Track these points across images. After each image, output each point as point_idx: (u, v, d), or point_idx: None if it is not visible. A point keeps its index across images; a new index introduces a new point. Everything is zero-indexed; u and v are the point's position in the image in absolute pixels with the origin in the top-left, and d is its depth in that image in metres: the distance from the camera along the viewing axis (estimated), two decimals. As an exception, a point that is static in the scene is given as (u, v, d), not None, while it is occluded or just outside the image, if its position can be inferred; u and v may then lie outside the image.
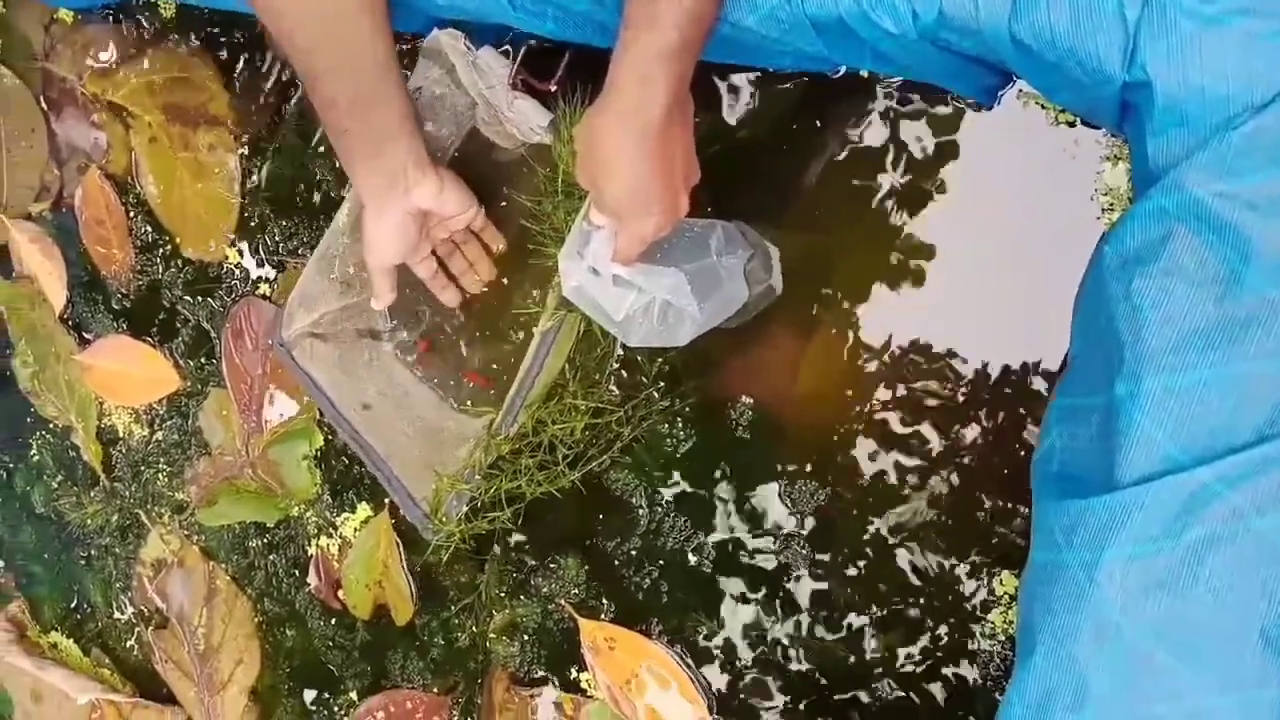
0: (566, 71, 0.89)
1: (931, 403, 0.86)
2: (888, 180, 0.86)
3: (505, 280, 0.98)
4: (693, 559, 0.96)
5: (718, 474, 0.94)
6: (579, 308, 0.82)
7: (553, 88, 0.89)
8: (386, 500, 1.10)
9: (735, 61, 0.83)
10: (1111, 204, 0.78)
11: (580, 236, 0.79)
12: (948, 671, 0.86)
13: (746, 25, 0.70)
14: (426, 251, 0.94)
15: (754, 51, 0.76)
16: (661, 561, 0.97)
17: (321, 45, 0.81)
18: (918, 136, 0.84)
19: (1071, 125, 0.78)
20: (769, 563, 0.93)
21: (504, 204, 0.97)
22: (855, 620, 0.90)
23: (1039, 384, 0.82)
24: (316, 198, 1.10)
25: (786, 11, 0.68)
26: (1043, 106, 0.78)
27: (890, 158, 0.85)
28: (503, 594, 1.05)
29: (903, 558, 0.88)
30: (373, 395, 1.02)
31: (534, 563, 1.03)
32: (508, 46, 0.91)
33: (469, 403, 1.00)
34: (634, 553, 0.98)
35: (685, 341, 0.82)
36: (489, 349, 0.99)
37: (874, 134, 0.86)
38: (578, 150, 0.76)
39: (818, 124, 0.88)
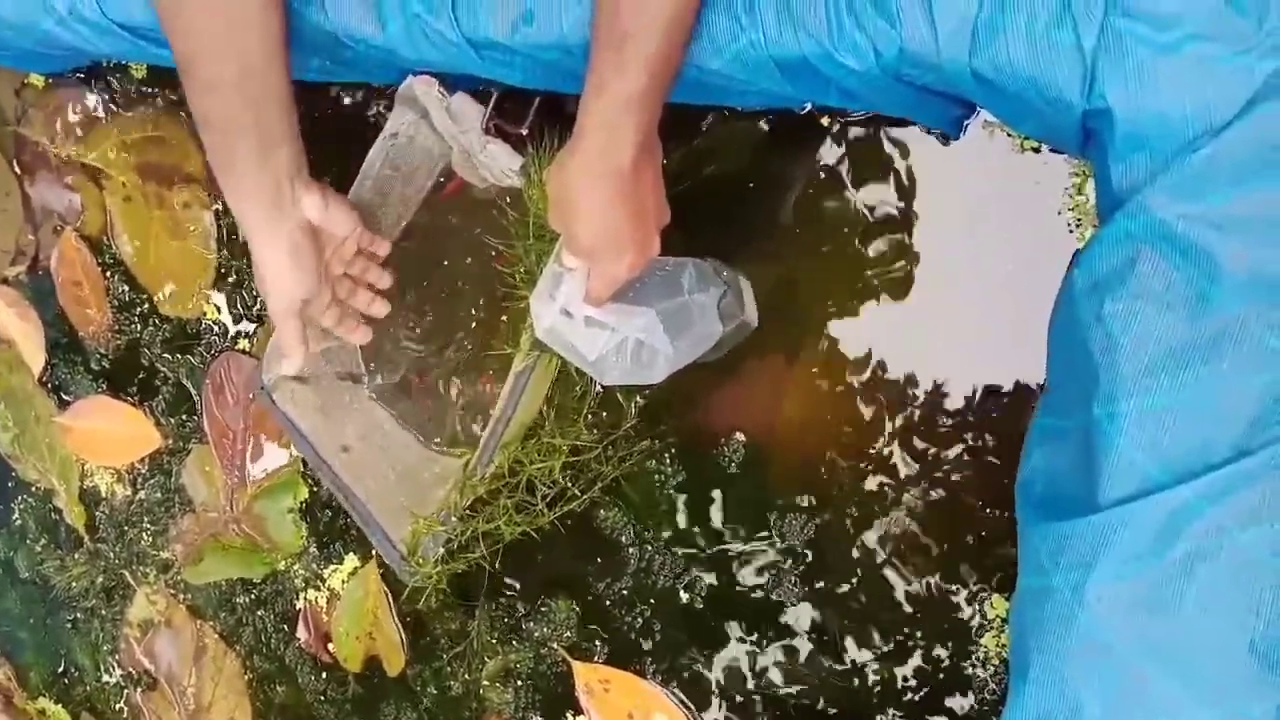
0: (537, 116, 0.90)
1: (913, 429, 0.86)
2: (858, 211, 0.87)
3: (480, 322, 0.98)
4: (684, 596, 0.95)
5: (706, 510, 0.94)
6: (552, 349, 0.83)
7: (524, 132, 0.90)
8: (373, 551, 1.09)
9: (702, 102, 0.84)
10: (1080, 219, 0.79)
11: (552, 279, 0.80)
12: (943, 697, 0.86)
13: (712, 69, 0.71)
14: (328, 297, 0.89)
15: (720, 92, 0.77)
16: (653, 600, 0.97)
17: (200, 20, 0.75)
18: (886, 168, 0.85)
19: (1036, 150, 0.80)
20: (761, 597, 0.92)
21: (475, 247, 0.97)
22: (849, 650, 0.90)
23: (1022, 404, 0.83)
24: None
25: (751, 54, 0.69)
26: (1008, 134, 0.80)
27: (860, 189, 0.86)
28: (494, 640, 1.04)
29: (894, 585, 0.88)
30: (352, 438, 1.02)
31: (525, 607, 1.02)
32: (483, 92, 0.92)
33: (447, 445, 1.00)
34: (625, 593, 0.98)
35: (661, 379, 0.83)
36: (468, 391, 1.00)
37: (842, 166, 0.87)
38: (549, 195, 0.77)
39: (786, 158, 0.89)
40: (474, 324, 0.98)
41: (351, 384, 1.04)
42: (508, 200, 0.94)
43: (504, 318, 0.95)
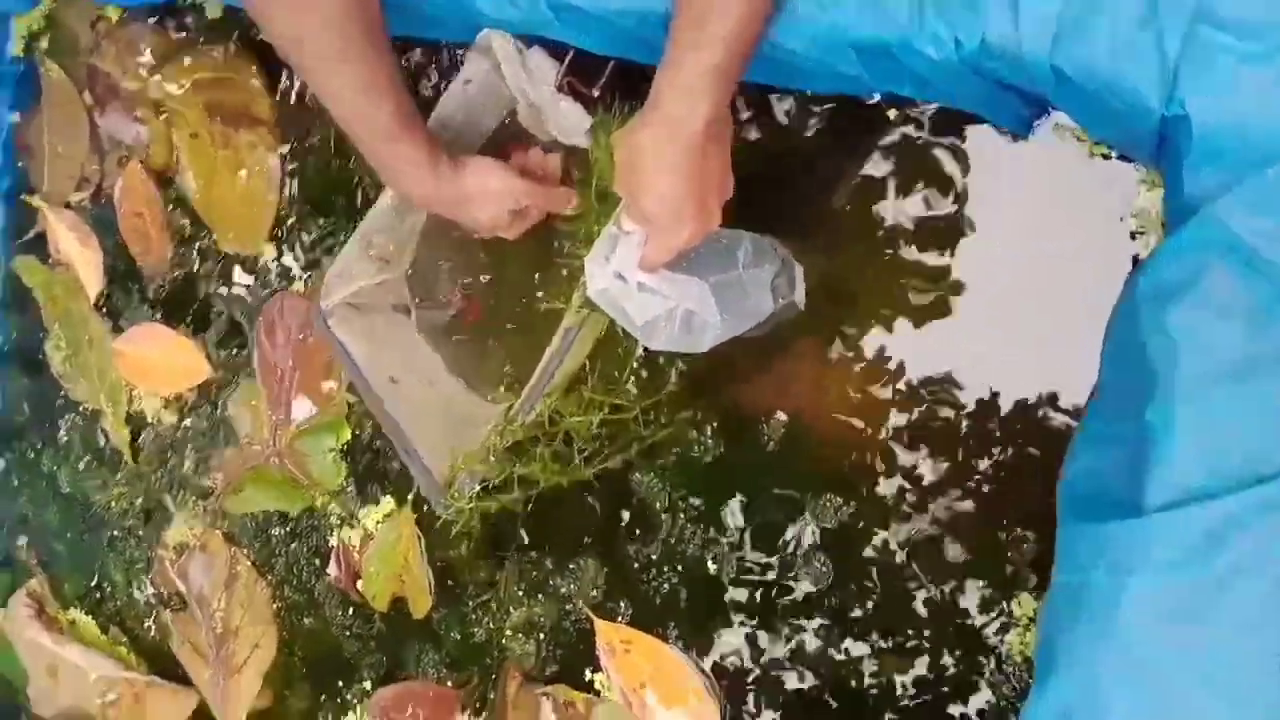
0: (611, 79, 0.91)
1: (955, 427, 0.87)
2: (918, 205, 0.87)
3: (533, 275, 1.00)
4: (712, 568, 0.97)
5: (741, 485, 0.95)
6: (603, 309, 0.85)
7: (596, 93, 0.91)
8: (410, 496, 1.11)
9: (771, 82, 0.85)
10: (1143, 227, 0.79)
11: (609, 241, 0.81)
12: (965, 692, 0.87)
13: (789, 48, 0.71)
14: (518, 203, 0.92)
15: (794, 72, 0.78)
16: (681, 568, 0.98)
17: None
18: (950, 163, 0.86)
19: (1105, 157, 0.79)
20: (788, 576, 0.94)
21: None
22: (874, 639, 0.91)
23: (1065, 408, 0.83)
24: (355, 198, 1.12)
25: (831, 36, 0.69)
26: (1078, 139, 0.79)
27: (921, 183, 0.87)
28: (521, 592, 1.06)
29: (921, 577, 0.89)
30: (400, 370, 1.04)
31: (553, 563, 1.04)
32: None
33: (488, 388, 1.02)
34: (654, 557, 0.99)
35: (707, 348, 0.84)
36: (514, 339, 1.01)
37: (907, 160, 0.87)
38: (617, 159, 0.78)
39: (850, 145, 0.89)
40: (526, 275, 1.00)
41: (405, 316, 1.06)
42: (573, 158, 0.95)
43: (564, 272, 0.96)
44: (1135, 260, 0.79)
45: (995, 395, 0.86)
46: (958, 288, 0.87)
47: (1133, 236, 0.79)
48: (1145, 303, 0.64)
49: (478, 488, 0.98)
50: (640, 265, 0.80)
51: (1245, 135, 0.59)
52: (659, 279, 0.81)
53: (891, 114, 0.86)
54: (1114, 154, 0.79)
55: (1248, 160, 0.59)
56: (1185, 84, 0.60)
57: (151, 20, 1.23)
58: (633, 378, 0.99)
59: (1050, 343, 0.83)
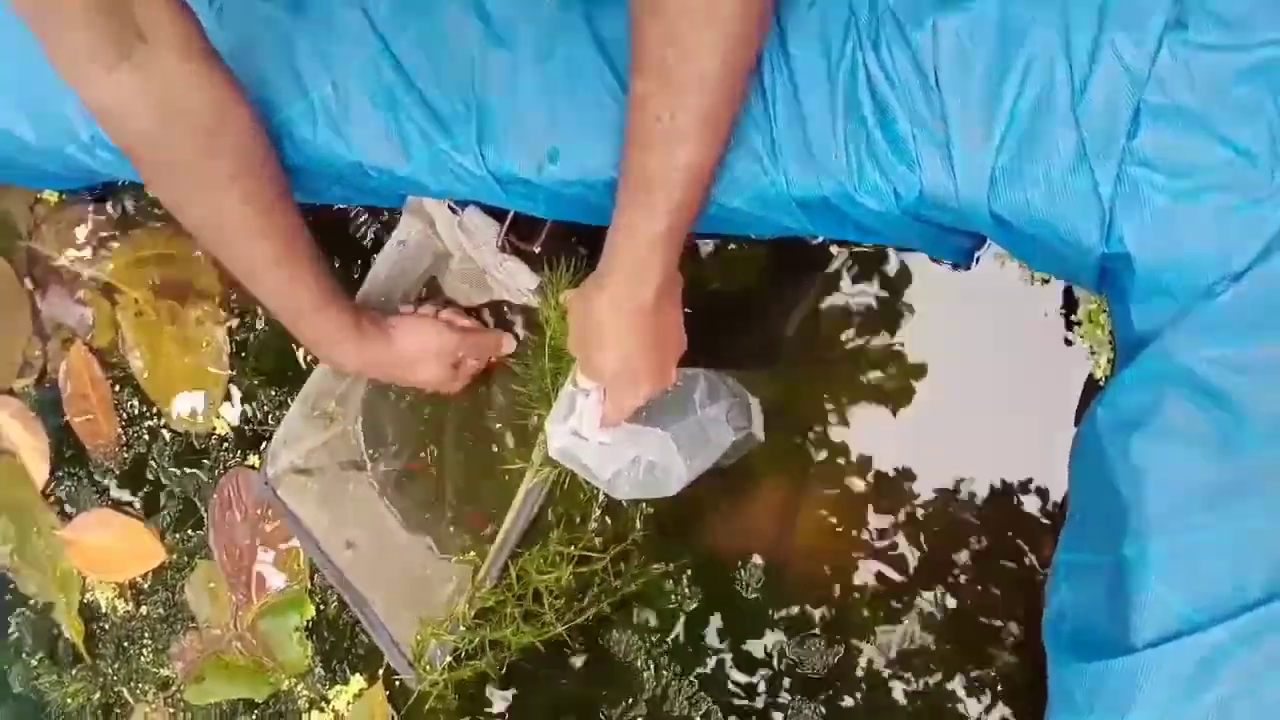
0: (550, 234, 0.92)
1: (932, 548, 0.87)
2: (865, 331, 0.88)
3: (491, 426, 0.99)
4: (701, 724, 0.94)
5: (722, 635, 0.93)
6: (565, 466, 0.84)
7: (537, 249, 0.92)
8: (380, 672, 1.07)
9: (719, 233, 0.86)
10: (1093, 350, 0.80)
11: (567, 400, 0.81)
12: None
13: (733, 206, 0.72)
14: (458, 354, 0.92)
15: (739, 225, 0.79)
16: (669, 728, 0.95)
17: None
18: (895, 291, 0.87)
19: (1046, 282, 0.81)
20: (779, 724, 0.91)
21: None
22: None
23: (1035, 521, 0.83)
24: (304, 367, 1.10)
25: (773, 193, 0.70)
26: (1020, 265, 0.81)
27: (867, 311, 0.88)
28: (503, 767, 1.02)
29: (918, 712, 0.87)
30: (357, 532, 1.02)
31: (535, 733, 1.00)
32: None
33: (443, 545, 1.00)
34: None
35: (673, 492, 0.84)
36: (471, 488, 0.99)
37: (849, 288, 0.88)
38: (570, 324, 0.78)
39: (794, 277, 0.91)
40: (480, 431, 0.99)
41: (355, 473, 1.04)
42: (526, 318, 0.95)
43: (519, 431, 0.95)
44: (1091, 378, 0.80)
45: (966, 508, 0.85)
46: (915, 405, 0.87)
47: (1086, 358, 0.80)
48: (1107, 434, 0.64)
49: (449, 658, 0.95)
50: (600, 424, 0.80)
51: (1185, 269, 0.60)
52: (618, 434, 0.81)
53: (833, 248, 0.88)
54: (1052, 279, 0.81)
55: (1191, 292, 0.60)
56: (1122, 223, 0.61)
57: (91, 201, 1.23)
58: (595, 525, 0.97)
59: (1016, 447, 0.84)
